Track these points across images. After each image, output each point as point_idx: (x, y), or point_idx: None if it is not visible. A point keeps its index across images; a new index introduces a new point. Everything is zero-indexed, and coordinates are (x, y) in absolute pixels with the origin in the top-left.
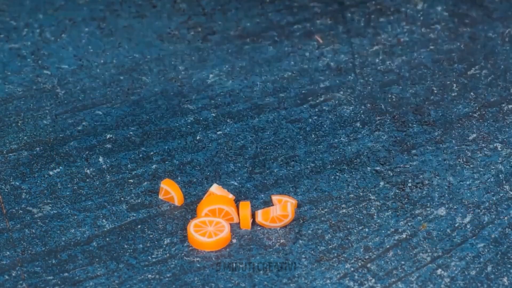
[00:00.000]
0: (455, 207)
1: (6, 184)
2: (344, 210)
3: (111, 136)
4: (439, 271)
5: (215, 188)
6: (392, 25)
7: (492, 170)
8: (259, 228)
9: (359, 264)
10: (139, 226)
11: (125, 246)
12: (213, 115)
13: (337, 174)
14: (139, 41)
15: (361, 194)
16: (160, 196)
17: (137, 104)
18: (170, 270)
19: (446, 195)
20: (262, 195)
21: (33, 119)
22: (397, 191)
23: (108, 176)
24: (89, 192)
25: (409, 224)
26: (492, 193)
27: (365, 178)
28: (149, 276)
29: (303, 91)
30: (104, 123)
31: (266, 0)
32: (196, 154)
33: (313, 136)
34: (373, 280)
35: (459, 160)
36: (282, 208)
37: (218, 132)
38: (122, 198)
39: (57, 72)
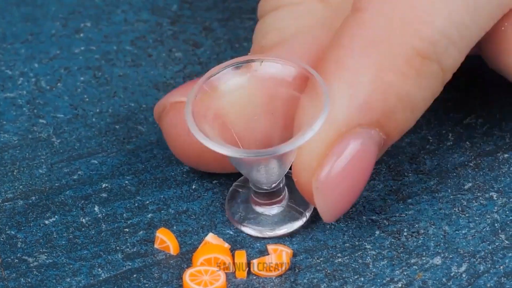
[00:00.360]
0: (450, 256)
1: (1, 233)
2: (339, 259)
3: (106, 185)
4: None
5: (210, 237)
6: None
7: (487, 219)
8: (254, 277)
9: None
10: (134, 275)
11: None
12: None
13: (333, 223)
14: (134, 90)
15: (356, 243)
16: (156, 245)
17: (132, 153)
18: None
19: (442, 244)
20: (258, 244)
21: (28, 168)
22: (393, 240)
23: (104, 225)
24: (84, 241)
25: (405, 273)
26: (488, 242)
27: (360, 227)
28: None
29: None
30: (100, 172)
31: None
32: (191, 203)
33: None
34: None
35: (454, 209)
36: (277, 257)
37: (214, 181)
38: (117, 247)
39: (52, 121)
